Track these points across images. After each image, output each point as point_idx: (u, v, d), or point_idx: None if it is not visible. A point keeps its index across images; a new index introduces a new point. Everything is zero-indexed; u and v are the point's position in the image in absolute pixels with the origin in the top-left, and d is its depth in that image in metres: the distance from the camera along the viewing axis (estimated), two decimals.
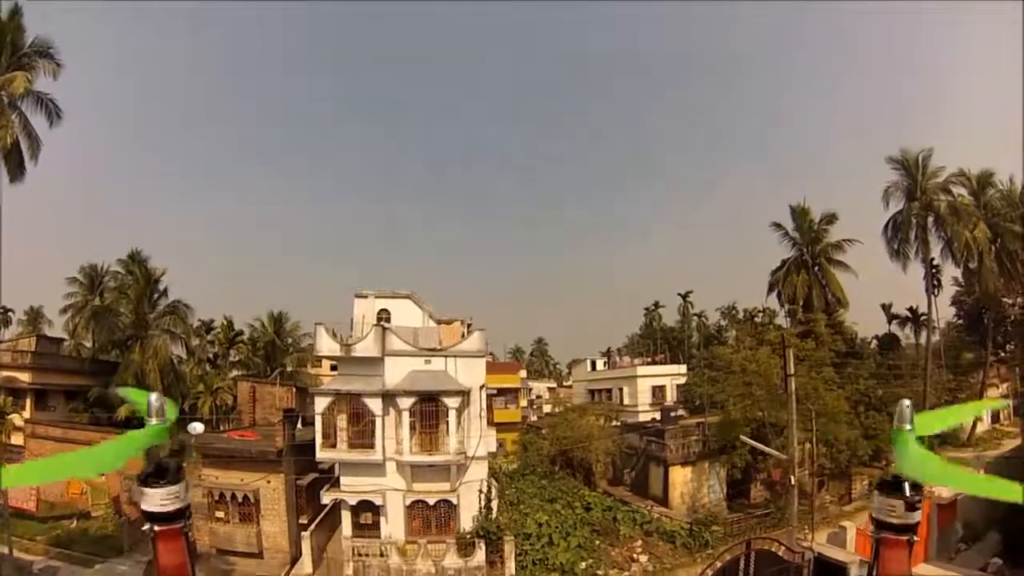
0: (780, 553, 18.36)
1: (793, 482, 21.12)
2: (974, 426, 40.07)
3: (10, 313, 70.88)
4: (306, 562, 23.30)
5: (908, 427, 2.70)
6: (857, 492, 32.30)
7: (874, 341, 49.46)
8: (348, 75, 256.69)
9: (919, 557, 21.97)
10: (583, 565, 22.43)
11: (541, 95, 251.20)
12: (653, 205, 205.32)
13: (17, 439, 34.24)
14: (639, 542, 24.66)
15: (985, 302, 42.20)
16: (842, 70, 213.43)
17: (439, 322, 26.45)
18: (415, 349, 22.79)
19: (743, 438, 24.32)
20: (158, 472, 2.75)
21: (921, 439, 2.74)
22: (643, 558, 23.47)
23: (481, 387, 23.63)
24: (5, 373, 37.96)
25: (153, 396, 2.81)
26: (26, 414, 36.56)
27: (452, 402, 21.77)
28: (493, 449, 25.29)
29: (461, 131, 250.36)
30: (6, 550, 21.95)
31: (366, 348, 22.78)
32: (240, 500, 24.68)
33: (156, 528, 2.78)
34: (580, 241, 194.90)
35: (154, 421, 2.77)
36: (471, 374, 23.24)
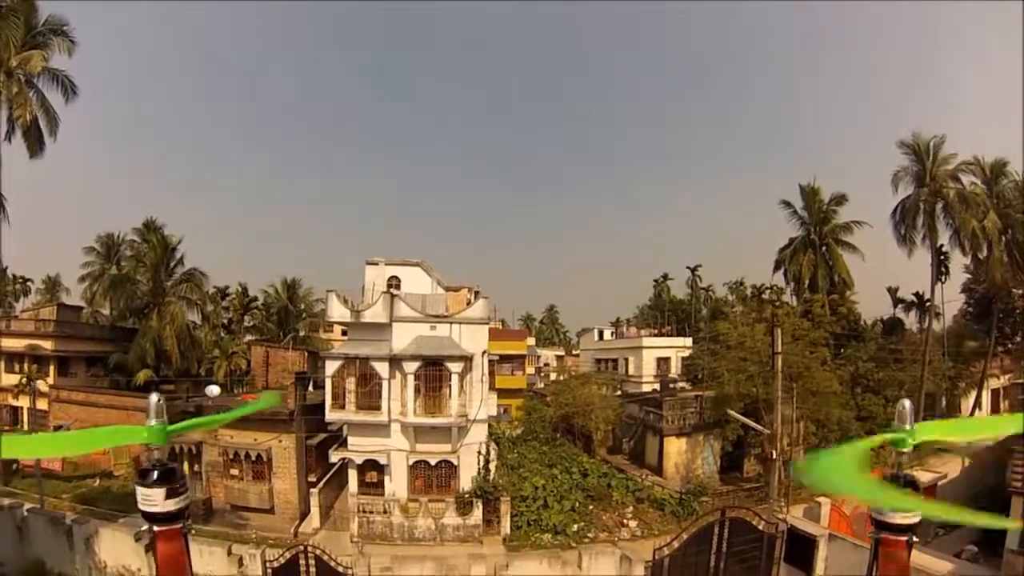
0: (754, 522, 19.71)
1: (775, 456, 22.31)
2: (971, 414, 40.23)
3: (29, 283, 73.37)
4: (315, 517, 24.84)
5: (908, 427, 2.86)
6: None
7: (879, 324, 49.96)
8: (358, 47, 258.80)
9: None
10: (575, 527, 23.55)
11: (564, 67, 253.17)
12: (671, 180, 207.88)
13: (41, 404, 36.42)
14: (630, 508, 25.80)
15: (992, 292, 42.62)
16: (856, 58, 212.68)
17: (447, 289, 27.40)
18: (421, 315, 23.92)
19: (729, 412, 25.39)
20: (157, 472, 2.86)
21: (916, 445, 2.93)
22: (632, 523, 24.64)
23: (483, 353, 24.71)
24: (29, 341, 39.86)
25: (154, 397, 2.91)
26: (50, 380, 38.79)
27: (455, 367, 22.97)
28: (494, 413, 26.43)
29: (484, 94, 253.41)
30: (38, 505, 23.55)
31: (375, 314, 23.96)
32: (254, 458, 26.22)
33: (156, 528, 2.88)
34: (598, 213, 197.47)
35: (153, 422, 2.83)
36: (474, 340, 24.32)
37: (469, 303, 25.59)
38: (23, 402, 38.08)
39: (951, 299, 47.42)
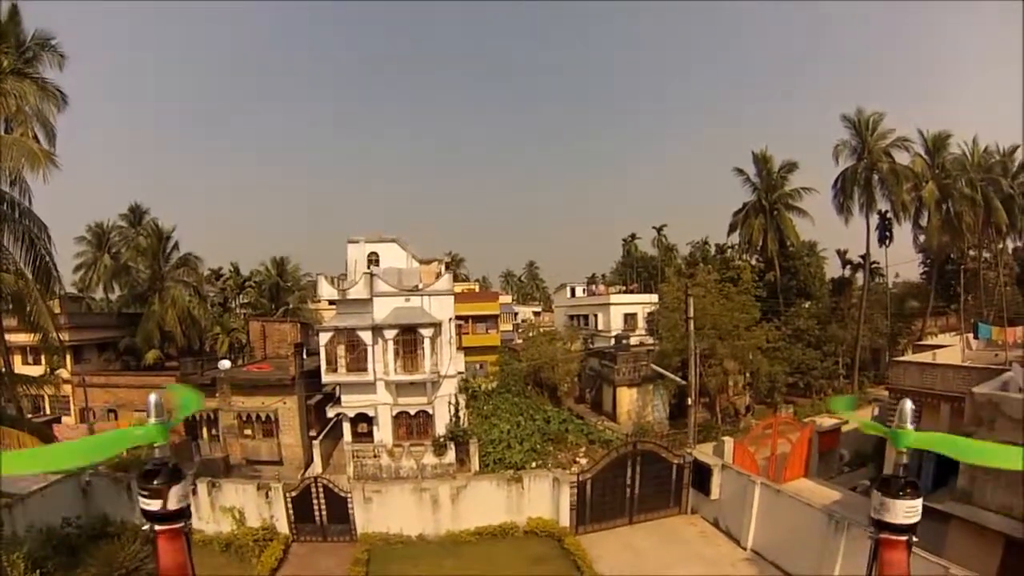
0: (662, 454, 26.51)
1: (690, 402, 28.82)
2: None
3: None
4: (317, 465, 30.60)
5: (909, 426, 3.07)
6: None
7: (828, 284, 55.91)
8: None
9: (797, 472, 29.19)
10: (533, 464, 28.84)
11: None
12: (647, 137, 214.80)
13: (65, 391, 40.61)
14: (583, 448, 31.49)
15: (932, 256, 48.56)
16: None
17: (421, 262, 32.91)
18: (396, 290, 29.54)
19: (652, 366, 31.62)
20: (158, 472, 3.08)
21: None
22: (583, 460, 29.90)
23: (450, 319, 30.57)
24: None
25: (153, 397, 3.13)
26: (68, 368, 42.95)
27: (427, 332, 28.72)
28: (462, 369, 32.38)
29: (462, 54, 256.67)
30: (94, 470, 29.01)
31: (358, 291, 29.62)
32: (263, 419, 32.19)
33: (156, 528, 3.09)
34: (581, 169, 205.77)
35: (153, 421, 3.06)
36: (442, 308, 30.04)
37: (439, 275, 31.21)
38: (46, 391, 43.09)
39: (894, 263, 53.18)
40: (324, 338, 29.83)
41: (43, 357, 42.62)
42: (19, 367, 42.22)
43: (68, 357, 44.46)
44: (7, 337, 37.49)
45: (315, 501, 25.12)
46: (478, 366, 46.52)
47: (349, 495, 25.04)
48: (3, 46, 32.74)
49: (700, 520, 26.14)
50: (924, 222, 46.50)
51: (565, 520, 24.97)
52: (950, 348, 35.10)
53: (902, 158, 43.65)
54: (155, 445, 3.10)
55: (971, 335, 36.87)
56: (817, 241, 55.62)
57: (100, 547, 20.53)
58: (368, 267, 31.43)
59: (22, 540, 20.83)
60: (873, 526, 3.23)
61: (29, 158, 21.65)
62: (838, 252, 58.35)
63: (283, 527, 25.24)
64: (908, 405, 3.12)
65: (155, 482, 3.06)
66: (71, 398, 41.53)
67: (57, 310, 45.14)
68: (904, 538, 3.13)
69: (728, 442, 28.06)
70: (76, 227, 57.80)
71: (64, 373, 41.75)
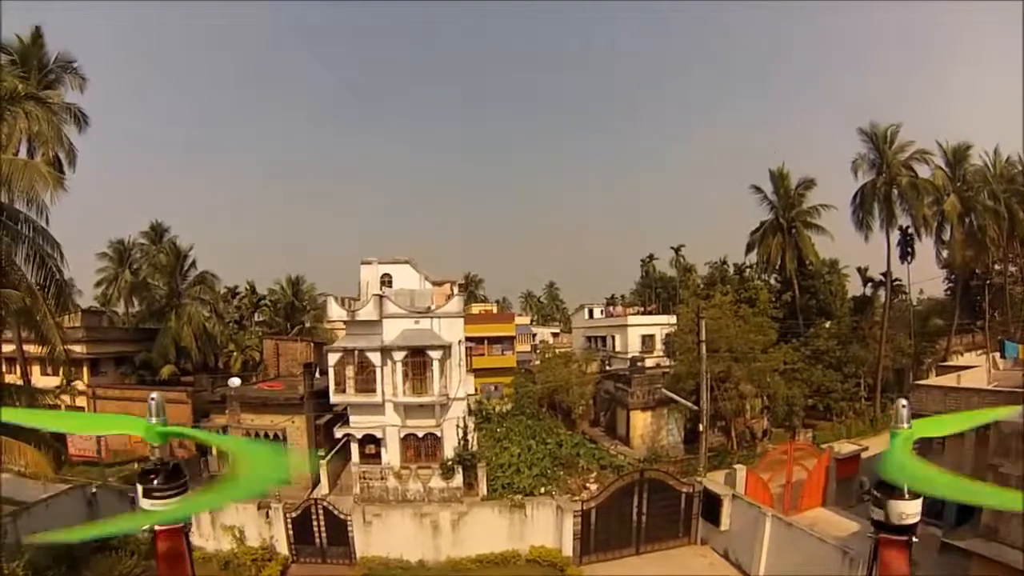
0: (670, 483, 25.83)
1: (702, 428, 28.08)
2: None
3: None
4: (324, 485, 30.30)
5: (905, 427, 3.17)
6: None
7: (849, 303, 54.71)
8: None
9: (814, 501, 28.35)
10: (542, 490, 28.34)
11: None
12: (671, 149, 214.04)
13: (80, 403, 41.40)
14: (594, 474, 31.00)
15: (956, 272, 47.41)
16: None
17: (434, 284, 33.00)
18: (406, 312, 29.57)
19: (663, 389, 31.09)
20: (159, 471, 3.16)
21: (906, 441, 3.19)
22: (593, 486, 29.35)
23: (460, 341, 30.47)
24: (65, 346, 45.33)
25: (154, 395, 3.28)
26: (84, 380, 43.56)
27: (436, 354, 28.53)
28: (471, 392, 32.19)
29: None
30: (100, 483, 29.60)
31: (367, 313, 29.69)
32: (271, 437, 31.96)
33: (157, 527, 3.20)
34: (606, 185, 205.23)
35: (154, 421, 3.18)
36: (452, 331, 29.95)
37: (450, 297, 31.20)
38: (60, 401, 43.67)
39: (917, 280, 51.98)
40: (333, 358, 29.79)
41: (60, 369, 43.29)
42: (37, 378, 43.30)
43: (85, 369, 45.22)
44: (26, 348, 38.62)
45: (315, 523, 25.03)
46: (493, 387, 46.41)
47: (349, 518, 24.89)
48: (23, 69, 33.69)
49: (710, 551, 25.50)
50: (947, 237, 45.28)
51: (568, 549, 24.45)
52: (975, 369, 33.90)
53: (922, 171, 42.78)
54: (155, 446, 3.18)
55: (997, 354, 35.57)
56: (838, 259, 54.85)
57: (100, 559, 20.42)
58: (381, 288, 31.39)
59: (23, 549, 20.86)
60: (873, 527, 3.35)
61: (40, 181, 21.94)
62: (859, 270, 57.45)
63: (283, 548, 25.20)
64: (904, 404, 3.25)
65: (154, 482, 3.15)
66: (86, 409, 41.80)
67: (77, 324, 46.53)
68: (904, 538, 3.23)
69: (740, 470, 27.23)
70: (95, 239, 58.98)
71: (80, 385, 42.66)
